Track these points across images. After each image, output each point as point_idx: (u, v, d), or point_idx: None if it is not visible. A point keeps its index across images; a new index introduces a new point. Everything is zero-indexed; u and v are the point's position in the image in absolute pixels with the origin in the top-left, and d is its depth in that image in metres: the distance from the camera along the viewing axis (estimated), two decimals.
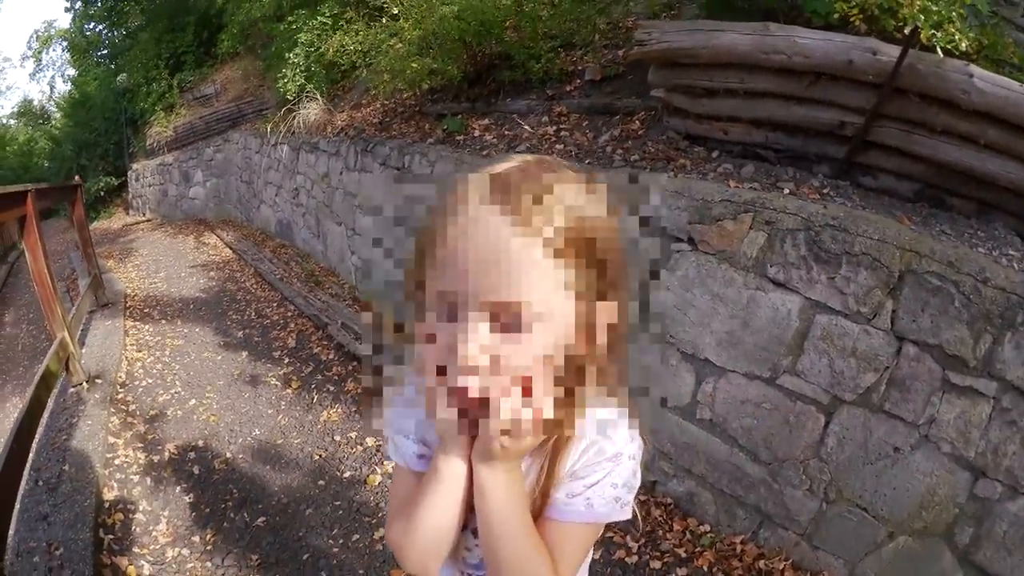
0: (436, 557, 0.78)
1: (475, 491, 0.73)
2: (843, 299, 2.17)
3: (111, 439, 3.25)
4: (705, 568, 2.35)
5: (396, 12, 5.12)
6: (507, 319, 0.61)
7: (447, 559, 0.80)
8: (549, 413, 0.65)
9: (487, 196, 0.61)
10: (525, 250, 0.60)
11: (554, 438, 0.73)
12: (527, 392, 0.63)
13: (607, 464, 0.73)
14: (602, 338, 0.66)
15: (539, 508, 0.75)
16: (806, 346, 2.25)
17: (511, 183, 0.62)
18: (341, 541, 2.59)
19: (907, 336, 2.10)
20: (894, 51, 2.40)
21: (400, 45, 4.72)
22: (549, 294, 0.61)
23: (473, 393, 0.63)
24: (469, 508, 0.75)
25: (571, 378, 0.66)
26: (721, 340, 2.45)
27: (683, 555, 2.41)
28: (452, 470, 0.73)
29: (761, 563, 2.34)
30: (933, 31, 2.35)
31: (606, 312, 0.66)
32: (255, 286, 6.35)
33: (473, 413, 0.65)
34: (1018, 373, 1.98)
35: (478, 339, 0.61)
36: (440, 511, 0.75)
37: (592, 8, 4.23)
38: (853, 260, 2.15)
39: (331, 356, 4.37)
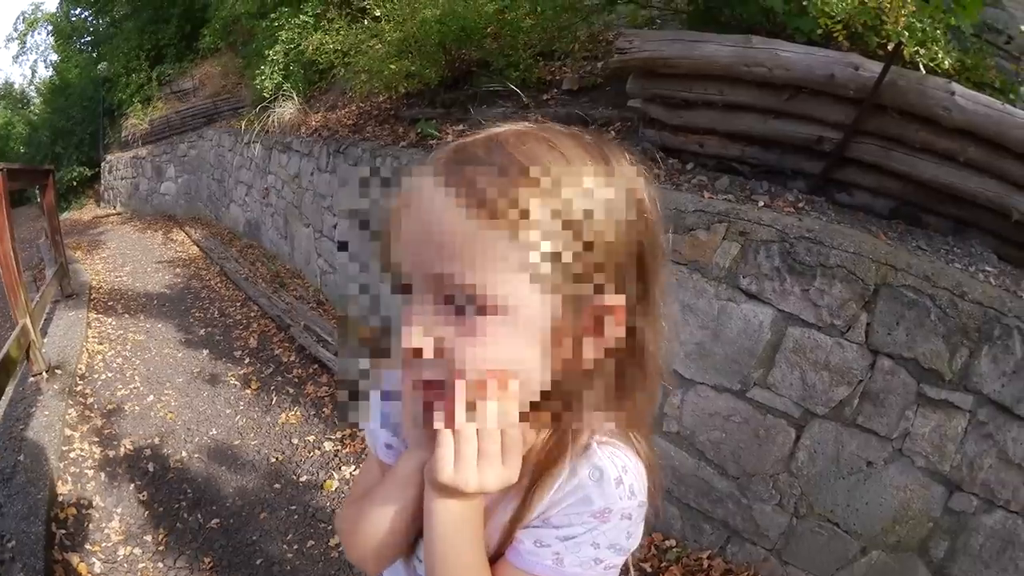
0: (375, 558, 0.70)
1: (424, 510, 0.63)
2: (817, 312, 2.16)
3: (68, 431, 3.17)
4: None
5: (378, 14, 5.09)
6: (452, 297, 0.53)
7: (400, 561, 0.72)
8: (516, 435, 0.57)
9: (439, 167, 0.54)
10: (466, 222, 0.51)
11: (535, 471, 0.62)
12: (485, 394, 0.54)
13: (590, 520, 0.61)
14: (595, 352, 0.56)
15: (503, 545, 0.64)
16: (778, 359, 2.23)
17: (468, 154, 0.54)
18: (296, 547, 2.52)
19: (881, 349, 2.08)
20: (876, 67, 2.40)
21: (380, 46, 4.68)
22: (504, 279, 0.51)
23: (417, 379, 0.55)
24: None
25: (554, 400, 0.57)
26: (690, 352, 2.41)
27: (648, 570, 2.36)
28: (410, 472, 0.65)
29: None
30: (917, 48, 2.37)
31: (601, 320, 0.55)
32: (220, 284, 6.30)
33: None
34: (995, 386, 1.98)
35: (421, 321, 0.54)
36: (390, 512, 0.66)
37: (576, 16, 4.22)
38: (828, 273, 2.14)
39: (292, 358, 4.32)
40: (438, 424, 0.56)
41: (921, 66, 2.42)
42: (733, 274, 2.31)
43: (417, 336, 0.54)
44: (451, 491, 0.59)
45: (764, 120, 2.74)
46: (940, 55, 2.39)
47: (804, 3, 2.64)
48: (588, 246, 0.52)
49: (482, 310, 0.52)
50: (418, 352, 0.54)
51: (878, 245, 2.21)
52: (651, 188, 0.58)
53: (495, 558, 0.64)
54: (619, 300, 0.55)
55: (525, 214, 0.50)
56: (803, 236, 2.20)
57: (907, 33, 2.33)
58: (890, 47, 2.41)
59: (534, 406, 0.58)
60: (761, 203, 2.54)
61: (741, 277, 2.29)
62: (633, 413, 0.63)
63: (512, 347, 0.53)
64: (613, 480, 0.61)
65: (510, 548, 0.64)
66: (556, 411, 0.59)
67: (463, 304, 0.52)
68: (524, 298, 0.52)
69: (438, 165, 0.55)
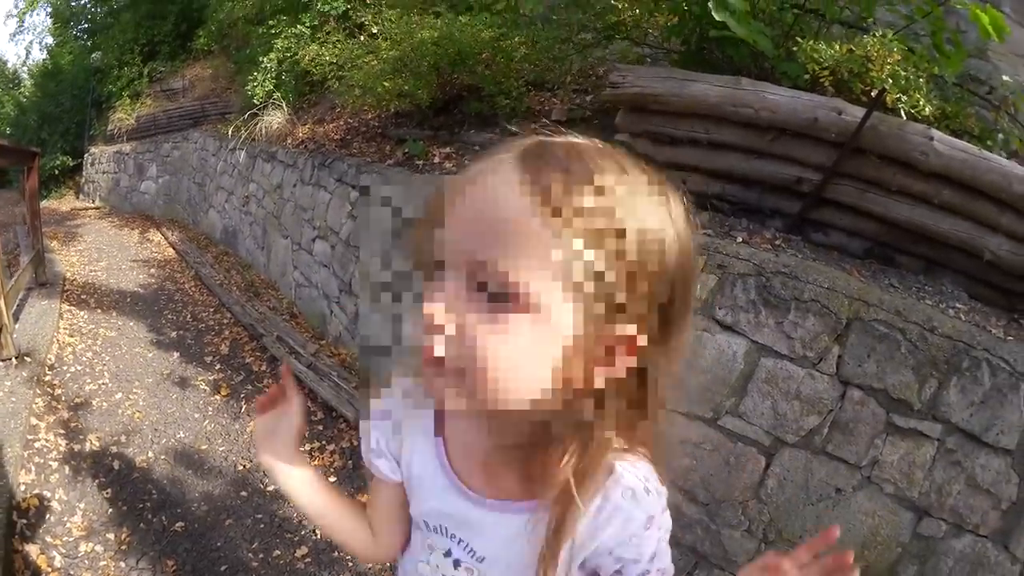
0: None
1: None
2: (789, 343, 2.22)
3: (34, 420, 3.12)
4: None
5: (376, 31, 5.14)
6: (485, 285, 0.52)
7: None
8: None
9: (516, 154, 0.55)
10: (528, 215, 0.51)
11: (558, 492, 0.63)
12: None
13: (644, 531, 0.67)
14: (602, 378, 0.56)
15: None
16: (750, 388, 2.28)
17: (550, 150, 0.55)
18: (261, 556, 2.49)
19: (852, 380, 2.15)
20: (859, 112, 2.51)
21: (375, 63, 4.72)
22: (544, 280, 0.51)
23: (429, 353, 0.55)
24: None
25: (566, 418, 0.58)
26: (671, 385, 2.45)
27: None
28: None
29: None
30: (899, 95, 2.48)
31: (613, 349, 0.56)
32: (194, 289, 6.25)
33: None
34: (963, 415, 2.07)
35: (445, 295, 0.54)
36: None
37: (571, 49, 4.30)
38: (802, 307, 2.21)
39: (263, 368, 4.30)
40: (450, 405, 0.58)
41: (903, 112, 2.53)
42: (710, 305, 2.36)
43: (440, 312, 0.54)
44: None
45: (747, 159, 2.82)
46: (921, 102, 2.51)
47: (793, 49, 2.76)
48: (630, 275, 0.53)
49: (514, 302, 0.52)
50: (439, 328, 0.54)
51: (851, 281, 2.29)
52: (694, 236, 0.59)
53: None
54: (635, 332, 0.55)
55: (583, 220, 0.51)
56: (779, 271, 2.27)
57: (891, 80, 2.44)
58: (873, 93, 2.51)
59: (543, 427, 0.59)
60: (740, 239, 2.62)
61: (717, 308, 2.34)
62: (638, 438, 0.66)
63: (531, 348, 0.54)
64: (643, 491, 0.66)
65: None
66: (564, 427, 0.59)
67: (496, 292, 0.52)
68: (557, 303, 0.52)
69: (517, 151, 0.55)
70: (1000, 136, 2.95)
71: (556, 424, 0.59)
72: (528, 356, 0.54)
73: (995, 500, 2.10)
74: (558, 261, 0.51)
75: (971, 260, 2.57)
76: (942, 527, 2.11)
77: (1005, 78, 3.25)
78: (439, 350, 0.55)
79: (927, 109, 2.54)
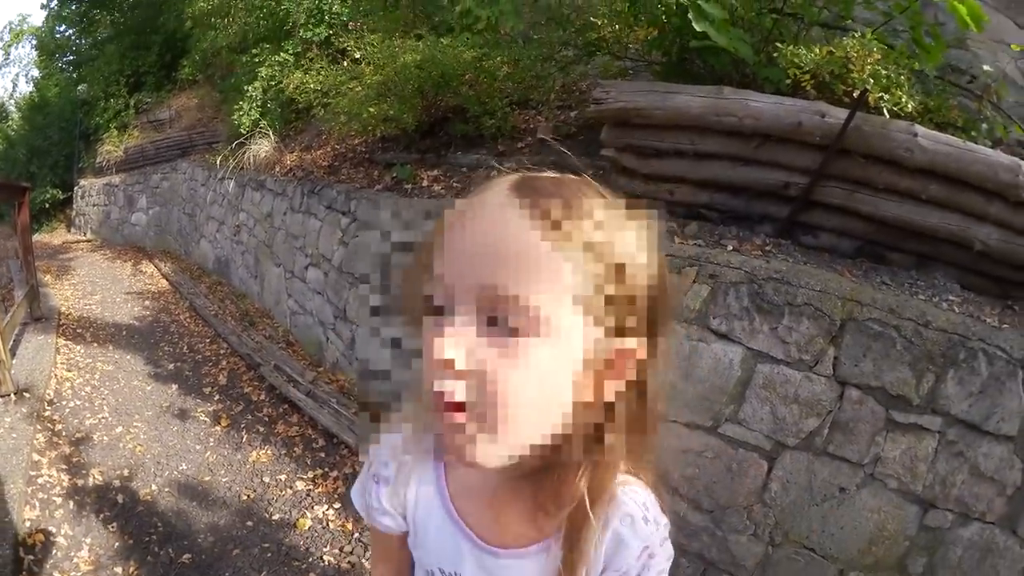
0: None
1: None
2: (785, 348, 2.24)
3: (36, 456, 3.12)
4: None
5: (358, 56, 5.18)
6: (500, 315, 0.53)
7: None
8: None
9: (507, 188, 0.57)
10: (535, 239, 0.53)
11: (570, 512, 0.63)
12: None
13: (638, 561, 0.68)
14: (612, 392, 0.58)
15: None
16: (748, 394, 2.30)
17: (539, 182, 0.57)
18: None
19: (849, 380, 2.18)
20: (842, 114, 2.53)
21: (360, 88, 4.75)
22: (556, 301, 0.53)
23: (450, 397, 0.54)
24: None
25: (576, 438, 0.59)
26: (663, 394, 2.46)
27: None
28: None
29: None
30: (881, 94, 2.50)
31: (622, 362, 0.58)
32: (189, 320, 6.25)
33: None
34: (963, 407, 2.09)
35: (457, 331, 0.53)
36: None
37: (553, 66, 4.34)
38: (795, 311, 2.23)
39: (262, 397, 4.30)
40: (480, 455, 0.56)
41: (885, 111, 2.55)
42: (704, 315, 2.38)
43: (452, 348, 0.53)
44: None
45: (733, 167, 2.84)
46: (904, 99, 2.52)
47: (774, 54, 2.78)
48: (628, 288, 0.56)
49: (528, 327, 0.53)
50: (449, 363, 0.53)
51: (843, 283, 2.31)
52: (664, 257, 0.62)
53: None
54: (638, 344, 0.58)
55: (585, 241, 0.54)
56: (771, 277, 2.29)
57: (872, 80, 2.46)
58: (855, 94, 2.54)
59: (554, 448, 0.59)
60: (730, 247, 2.64)
61: (711, 318, 2.37)
62: (639, 452, 0.67)
63: (550, 375, 0.54)
64: (641, 520, 0.67)
65: None
66: (578, 449, 0.60)
67: (507, 322, 0.53)
68: (569, 323, 0.54)
69: (508, 185, 0.57)
70: (984, 126, 2.96)
71: (570, 444, 0.59)
72: (550, 383, 0.55)
73: (999, 487, 2.12)
74: (567, 282, 0.53)
75: (962, 252, 2.58)
76: (948, 517, 2.12)
77: (986, 67, 3.25)
78: (460, 394, 0.54)
79: (909, 105, 2.55)
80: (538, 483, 0.63)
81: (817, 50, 2.69)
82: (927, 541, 2.14)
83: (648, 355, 0.59)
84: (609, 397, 0.58)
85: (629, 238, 0.57)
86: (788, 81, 2.74)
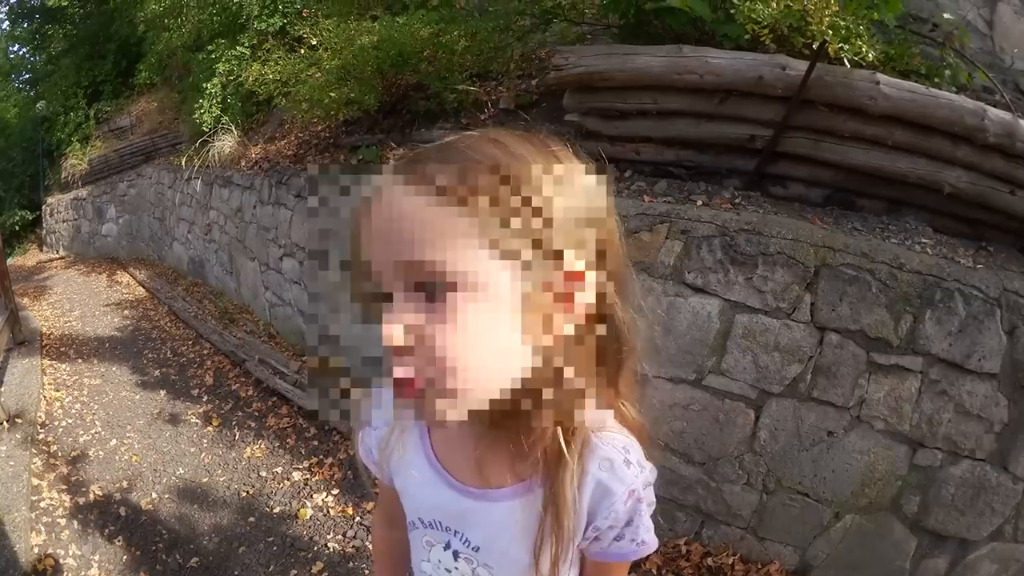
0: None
1: None
2: (762, 297, 2.28)
3: (35, 481, 3.11)
4: (654, 571, 2.39)
5: (315, 42, 5.10)
6: (422, 285, 0.54)
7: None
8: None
9: (391, 170, 0.58)
10: (422, 204, 0.54)
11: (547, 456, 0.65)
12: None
13: (625, 505, 0.69)
14: (570, 325, 0.59)
15: (556, 548, 0.67)
16: (729, 345, 2.34)
17: (420, 154, 0.59)
18: None
19: (828, 326, 2.22)
20: (803, 66, 2.54)
21: (319, 74, 4.68)
22: (467, 255, 0.53)
23: (399, 374, 0.56)
24: None
25: (539, 379, 0.59)
26: (643, 349, 2.49)
27: None
28: None
29: (709, 560, 2.39)
30: (841, 44, 2.50)
31: (570, 292, 0.58)
32: (169, 324, 6.21)
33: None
34: (942, 346, 2.13)
35: (398, 317, 0.55)
36: None
37: (511, 36, 4.30)
38: (769, 260, 2.27)
39: (250, 392, 4.31)
40: (451, 416, 0.58)
41: (846, 61, 2.56)
42: (678, 271, 2.41)
43: (396, 332, 0.55)
44: None
45: (697, 124, 2.85)
46: (864, 49, 2.53)
47: (731, 11, 2.78)
48: (547, 221, 0.55)
49: (452, 289, 0.54)
50: (400, 349, 0.55)
51: (814, 230, 2.35)
52: (596, 176, 0.61)
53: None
54: (583, 268, 0.58)
55: (479, 194, 0.54)
56: (742, 229, 2.32)
57: (831, 32, 2.46)
58: (815, 46, 2.55)
59: (525, 392, 0.59)
60: (700, 202, 2.66)
61: (686, 272, 2.40)
62: (616, 385, 0.68)
63: (489, 329, 0.55)
64: (623, 463, 0.67)
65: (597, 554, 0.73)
66: (544, 388, 0.60)
67: (434, 290, 0.54)
68: (492, 274, 0.54)
69: (395, 167, 0.58)
70: (947, 72, 2.97)
71: (538, 387, 0.60)
72: (492, 335, 0.56)
73: (987, 424, 2.17)
74: (475, 236, 0.53)
75: (932, 195, 2.61)
76: (938, 456, 2.18)
77: (946, 15, 3.27)
78: (407, 371, 0.56)
79: (871, 55, 2.56)
80: (513, 426, 0.63)
81: (775, 4, 2.67)
82: (919, 480, 2.19)
83: (607, 287, 0.60)
84: (567, 332, 0.58)
85: (534, 170, 0.56)
86: (747, 37, 2.73)
